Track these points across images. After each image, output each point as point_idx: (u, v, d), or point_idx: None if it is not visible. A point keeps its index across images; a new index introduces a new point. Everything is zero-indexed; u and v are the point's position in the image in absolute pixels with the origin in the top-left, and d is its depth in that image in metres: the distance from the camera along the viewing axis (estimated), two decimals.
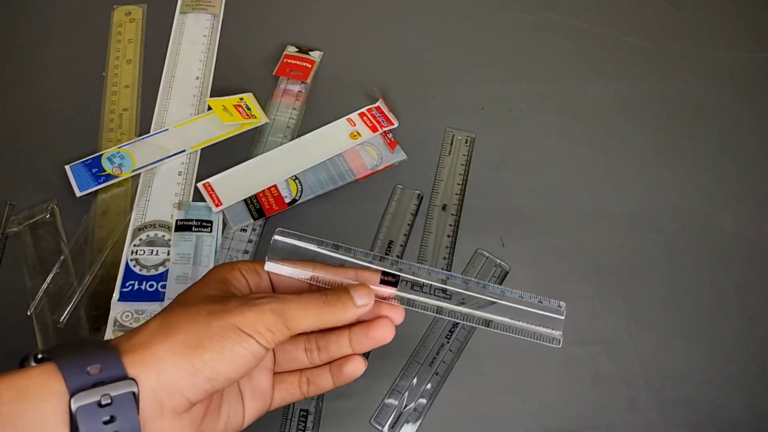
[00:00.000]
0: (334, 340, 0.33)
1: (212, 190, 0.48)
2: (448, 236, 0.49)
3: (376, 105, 0.53)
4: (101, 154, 0.49)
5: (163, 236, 0.47)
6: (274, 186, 0.49)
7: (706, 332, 0.47)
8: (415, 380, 0.44)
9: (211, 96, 0.53)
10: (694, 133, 0.54)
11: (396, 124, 0.52)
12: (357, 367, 0.33)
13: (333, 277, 0.32)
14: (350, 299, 0.31)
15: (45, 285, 0.45)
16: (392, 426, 0.43)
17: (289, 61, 0.54)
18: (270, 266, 0.33)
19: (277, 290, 0.34)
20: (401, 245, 0.48)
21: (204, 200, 0.48)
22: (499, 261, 0.48)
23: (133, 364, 0.26)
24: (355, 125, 0.52)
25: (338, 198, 0.49)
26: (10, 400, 0.24)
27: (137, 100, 0.53)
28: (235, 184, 0.49)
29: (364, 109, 0.53)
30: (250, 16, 0.57)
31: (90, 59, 0.54)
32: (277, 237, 0.34)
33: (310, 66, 0.54)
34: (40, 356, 0.27)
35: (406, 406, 0.43)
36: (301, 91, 0.53)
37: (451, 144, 0.52)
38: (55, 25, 0.56)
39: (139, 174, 0.49)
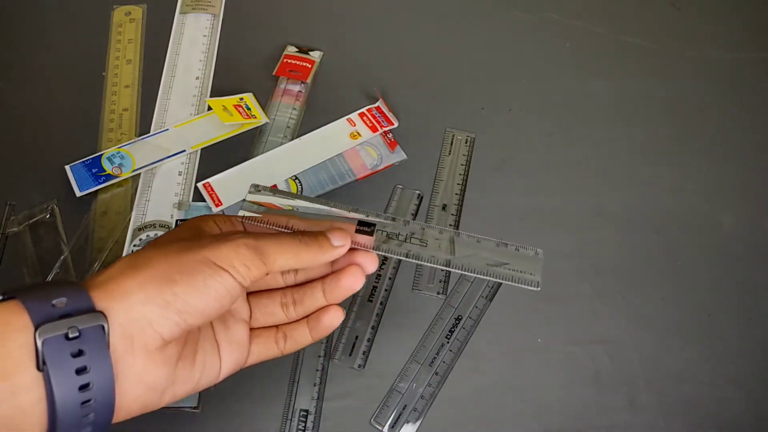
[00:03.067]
0: (308, 293, 0.33)
1: (212, 190, 0.48)
2: None
3: (376, 105, 0.53)
4: (101, 154, 0.49)
5: None
6: (274, 186, 0.49)
7: (706, 332, 0.47)
8: (415, 380, 0.44)
9: (211, 96, 0.53)
10: (694, 133, 0.54)
11: (396, 124, 0.52)
12: (335, 316, 0.33)
13: (309, 226, 0.32)
14: (327, 240, 0.31)
15: None
16: (392, 426, 0.43)
17: (289, 61, 0.54)
18: (245, 213, 0.32)
19: None
20: None
21: (204, 200, 0.48)
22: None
23: (101, 298, 0.25)
24: (355, 125, 0.52)
25: (338, 198, 0.49)
26: None
27: (137, 100, 0.53)
28: (235, 184, 0.49)
29: (364, 109, 0.53)
30: (250, 16, 0.57)
31: (90, 59, 0.54)
32: (251, 190, 0.34)
33: (310, 66, 0.54)
34: (0, 297, 0.25)
35: (406, 406, 0.43)
36: (301, 91, 0.53)
37: (451, 144, 0.52)
38: (55, 25, 0.56)
39: (139, 174, 0.49)
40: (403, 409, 0.43)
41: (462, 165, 0.51)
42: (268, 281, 0.35)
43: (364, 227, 0.33)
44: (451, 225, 0.49)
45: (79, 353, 0.24)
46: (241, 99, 0.52)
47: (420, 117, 0.53)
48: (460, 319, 0.46)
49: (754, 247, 0.50)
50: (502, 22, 0.58)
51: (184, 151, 0.50)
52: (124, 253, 0.46)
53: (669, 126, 0.54)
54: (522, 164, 0.52)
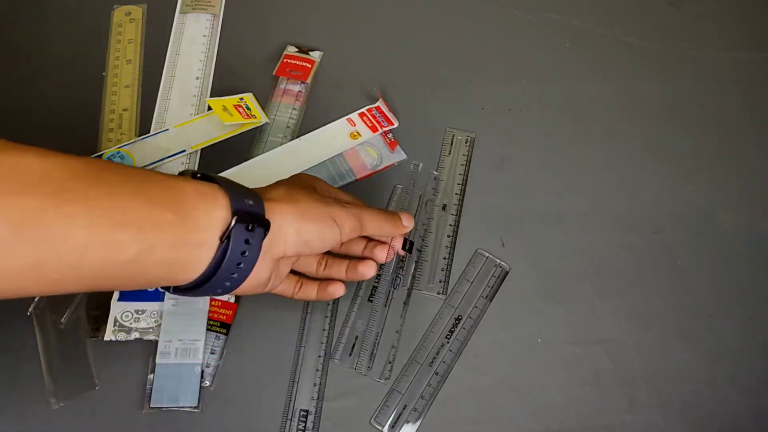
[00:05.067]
0: (337, 264, 0.42)
1: None
2: (448, 236, 0.49)
3: (376, 105, 0.53)
4: (101, 154, 0.49)
5: None
6: None
7: (706, 332, 0.47)
8: (415, 380, 0.44)
9: (211, 96, 0.53)
10: (694, 133, 0.54)
11: (396, 124, 0.52)
12: (337, 289, 0.41)
13: (383, 214, 0.42)
14: (399, 220, 0.42)
15: None
16: (392, 426, 0.43)
17: (289, 61, 0.54)
18: None
19: None
20: None
21: None
22: (499, 261, 0.48)
23: (269, 210, 0.34)
24: (355, 125, 0.52)
25: None
26: (193, 195, 0.32)
27: (137, 100, 0.53)
28: None
29: (364, 109, 0.53)
30: (250, 16, 0.57)
31: (90, 59, 0.54)
32: None
33: (310, 66, 0.54)
34: (198, 175, 0.34)
35: (406, 406, 0.43)
36: (301, 91, 0.53)
37: (451, 144, 0.52)
38: (55, 25, 0.56)
39: None
40: (403, 409, 0.43)
41: (462, 165, 0.51)
42: None
43: (407, 244, 0.45)
44: (450, 225, 0.49)
45: (246, 242, 0.32)
46: (241, 99, 0.52)
47: (420, 117, 0.53)
48: (460, 319, 0.46)
49: (754, 247, 0.50)
50: (503, 22, 0.58)
51: (184, 151, 0.50)
52: None
53: (669, 126, 0.54)
54: (522, 164, 0.52)
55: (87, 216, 0.27)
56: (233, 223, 0.32)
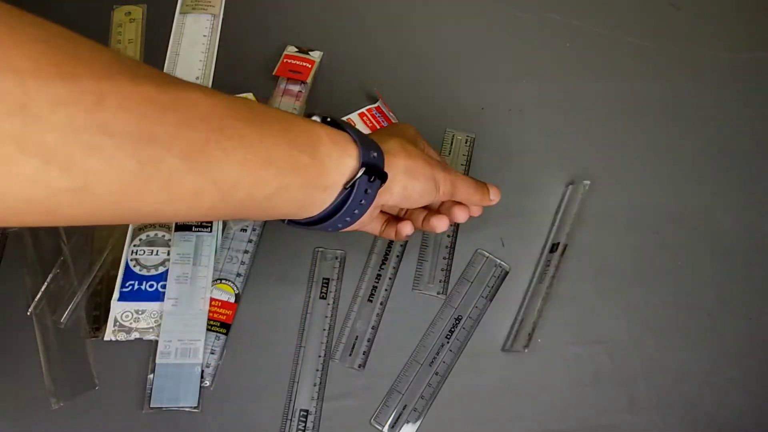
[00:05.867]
0: (417, 212, 0.43)
1: None
2: (448, 236, 0.49)
3: (376, 105, 0.53)
4: None
5: (163, 236, 0.47)
6: None
7: (706, 332, 0.47)
8: (415, 380, 0.44)
9: None
10: (694, 133, 0.54)
11: None
12: (407, 229, 0.42)
13: (475, 184, 0.43)
14: (488, 193, 0.43)
15: (45, 285, 0.45)
16: (392, 426, 0.43)
17: (289, 61, 0.54)
18: None
19: None
20: (402, 245, 0.48)
21: None
22: (499, 261, 0.48)
23: (387, 163, 0.36)
24: (355, 125, 0.52)
25: None
26: (327, 141, 0.34)
27: None
28: None
29: (364, 109, 0.53)
30: (250, 16, 0.57)
31: None
32: None
33: (310, 66, 0.54)
34: (329, 119, 0.36)
35: (406, 406, 0.43)
36: (301, 91, 0.53)
37: (451, 144, 0.52)
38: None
39: None
40: (403, 409, 0.43)
41: (462, 165, 0.51)
42: None
43: None
44: (450, 225, 0.49)
45: (365, 191, 0.35)
46: None
47: (420, 117, 0.53)
48: (460, 319, 0.46)
49: (754, 247, 0.50)
50: (503, 22, 0.58)
51: None
52: (124, 254, 0.46)
53: (669, 126, 0.54)
54: (522, 164, 0.52)
55: (241, 152, 0.29)
56: (360, 173, 0.34)
